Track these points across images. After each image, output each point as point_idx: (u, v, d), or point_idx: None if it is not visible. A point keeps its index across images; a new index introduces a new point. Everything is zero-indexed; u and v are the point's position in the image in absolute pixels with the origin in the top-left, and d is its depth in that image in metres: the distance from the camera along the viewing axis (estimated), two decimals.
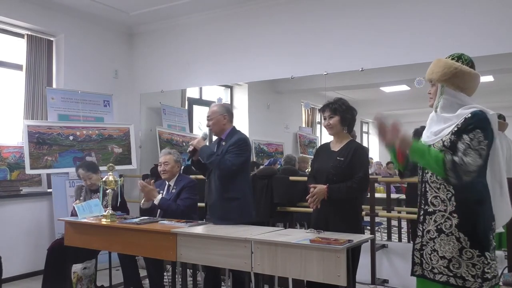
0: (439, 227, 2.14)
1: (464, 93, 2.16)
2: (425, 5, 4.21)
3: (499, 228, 2.23)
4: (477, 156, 2.02)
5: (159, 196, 3.65)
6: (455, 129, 2.10)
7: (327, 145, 3.02)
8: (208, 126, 3.48)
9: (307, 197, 2.85)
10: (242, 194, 3.34)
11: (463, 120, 2.08)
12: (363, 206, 3.12)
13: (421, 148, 2.14)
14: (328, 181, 2.82)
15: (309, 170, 3.53)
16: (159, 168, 3.86)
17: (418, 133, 2.33)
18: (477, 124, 2.05)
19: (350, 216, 2.83)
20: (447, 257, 2.09)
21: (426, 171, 2.21)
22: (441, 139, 2.14)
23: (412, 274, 2.27)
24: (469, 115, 2.08)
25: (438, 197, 2.16)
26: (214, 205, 3.35)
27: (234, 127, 3.48)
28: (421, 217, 2.23)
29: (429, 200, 2.19)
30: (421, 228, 2.23)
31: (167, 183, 3.85)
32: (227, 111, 3.45)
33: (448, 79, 2.15)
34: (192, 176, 4.06)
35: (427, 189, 2.20)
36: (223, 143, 3.39)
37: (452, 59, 2.21)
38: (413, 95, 4.81)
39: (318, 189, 2.79)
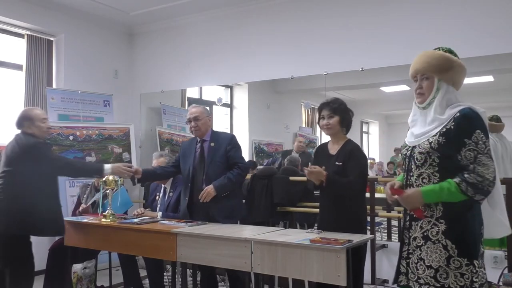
0: (425, 234, 1.99)
1: (455, 88, 2.04)
2: (425, 5, 4.21)
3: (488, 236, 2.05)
4: (489, 160, 1.88)
5: (160, 213, 3.67)
6: (444, 130, 1.94)
7: (325, 147, 2.95)
8: (194, 126, 3.39)
9: (305, 168, 2.73)
10: (239, 192, 3.49)
11: (452, 119, 1.93)
12: None
13: (433, 194, 1.94)
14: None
15: None
16: None
17: None
18: (475, 125, 1.90)
19: (354, 218, 2.79)
20: (434, 267, 1.93)
21: (410, 174, 2.06)
22: (428, 140, 1.98)
23: (395, 282, 2.13)
24: (458, 114, 1.92)
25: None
26: (215, 206, 3.34)
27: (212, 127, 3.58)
28: (407, 223, 2.09)
29: None
30: (407, 235, 2.09)
31: (163, 186, 3.85)
32: (210, 112, 3.58)
33: (446, 72, 2.00)
34: None
35: None
36: (212, 144, 3.38)
37: (445, 52, 2.06)
38: (413, 95, 4.81)
39: (319, 169, 2.69)
